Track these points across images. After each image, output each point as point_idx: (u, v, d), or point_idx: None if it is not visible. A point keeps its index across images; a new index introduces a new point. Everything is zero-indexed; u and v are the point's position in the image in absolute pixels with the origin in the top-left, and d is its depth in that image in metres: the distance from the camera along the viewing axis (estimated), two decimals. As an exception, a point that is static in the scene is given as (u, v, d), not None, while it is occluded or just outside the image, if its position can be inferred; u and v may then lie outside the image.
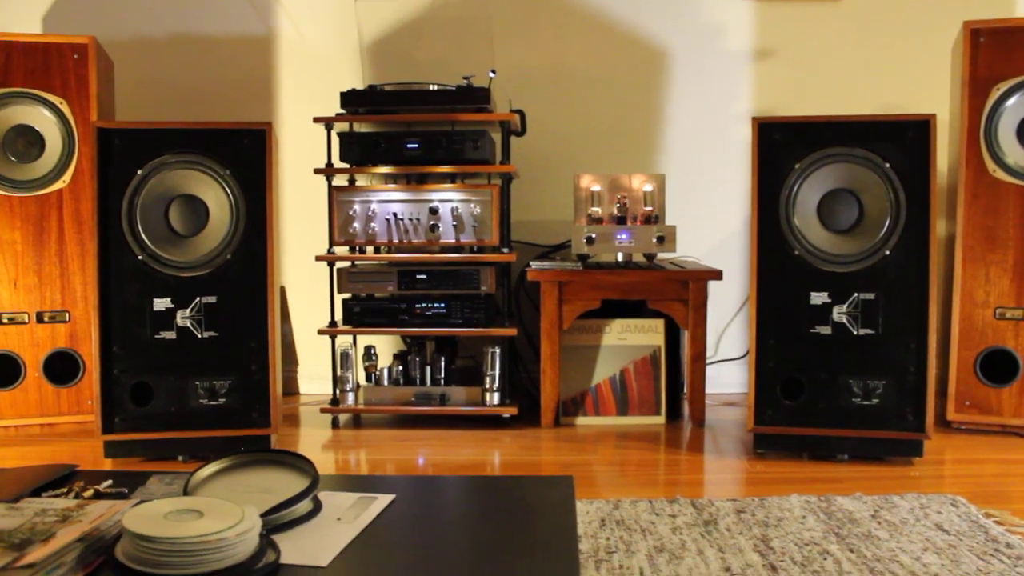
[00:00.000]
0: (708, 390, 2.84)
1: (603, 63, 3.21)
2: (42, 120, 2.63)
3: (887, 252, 2.30)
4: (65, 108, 2.63)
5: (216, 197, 2.38)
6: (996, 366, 2.57)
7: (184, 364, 2.36)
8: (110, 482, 1.30)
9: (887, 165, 2.30)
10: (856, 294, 2.33)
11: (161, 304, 2.35)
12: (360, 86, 2.81)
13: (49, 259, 2.65)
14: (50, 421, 2.66)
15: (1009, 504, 2.01)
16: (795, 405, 2.36)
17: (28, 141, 2.64)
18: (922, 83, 3.12)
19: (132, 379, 2.34)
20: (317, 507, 1.21)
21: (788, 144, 2.37)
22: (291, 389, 3.27)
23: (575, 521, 1.13)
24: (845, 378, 2.33)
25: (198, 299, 2.37)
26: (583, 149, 3.23)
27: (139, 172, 2.34)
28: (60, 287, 2.66)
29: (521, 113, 2.99)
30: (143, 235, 2.34)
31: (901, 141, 2.30)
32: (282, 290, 3.26)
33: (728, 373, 3.21)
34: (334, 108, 2.74)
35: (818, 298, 2.35)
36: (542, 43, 3.22)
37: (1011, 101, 2.53)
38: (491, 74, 2.83)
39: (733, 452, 2.47)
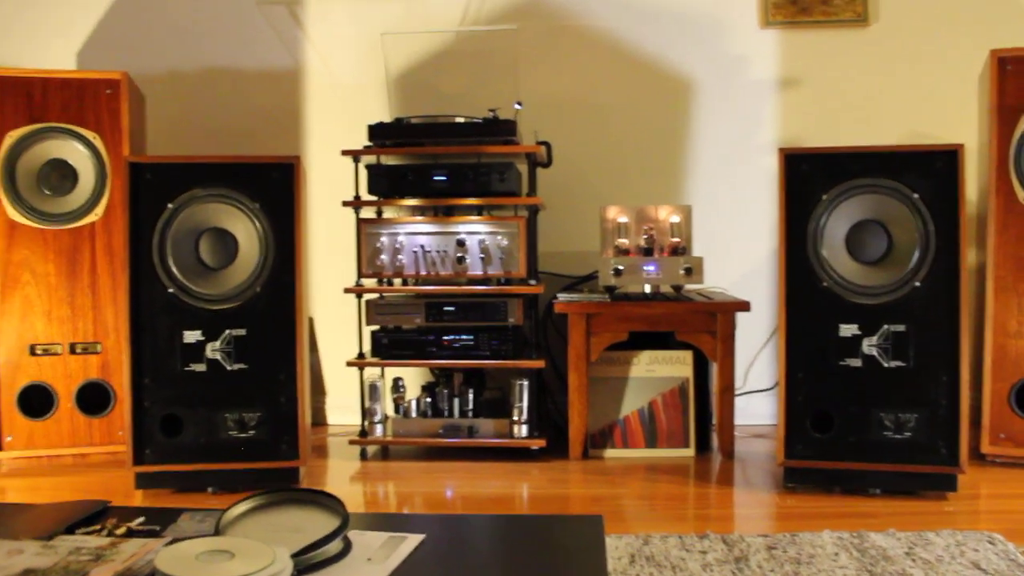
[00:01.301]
0: (737, 422, 2.82)
1: (628, 94, 3.22)
2: (75, 154, 2.68)
3: (917, 283, 2.28)
4: (98, 142, 2.68)
5: (245, 230, 2.41)
6: (1027, 399, 2.54)
7: (214, 396, 2.38)
8: (143, 519, 1.31)
9: (916, 196, 2.29)
10: (886, 326, 2.30)
11: (191, 336, 2.38)
12: (387, 118, 2.84)
13: (82, 291, 2.69)
14: (82, 452, 2.69)
15: (1048, 541, 1.97)
16: (825, 439, 2.34)
17: (62, 175, 2.69)
18: (949, 111, 3.10)
19: (162, 411, 2.36)
20: (347, 547, 1.21)
21: (815, 175, 2.36)
22: (319, 420, 3.28)
23: (605, 563, 1.12)
24: (876, 411, 2.30)
25: (227, 332, 2.39)
26: (609, 180, 3.23)
27: (170, 206, 2.37)
28: (92, 318, 2.70)
29: (547, 145, 3.01)
30: (173, 268, 2.37)
31: (929, 171, 2.28)
32: (310, 321, 3.28)
33: (757, 404, 3.18)
34: (361, 140, 2.76)
35: (847, 330, 2.33)
36: (568, 74, 3.24)
37: (1041, 130, 2.51)
38: (517, 106, 2.85)
39: (763, 486, 2.45)
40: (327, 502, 1.28)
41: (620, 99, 3.23)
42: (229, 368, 2.39)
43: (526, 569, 1.16)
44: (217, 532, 1.19)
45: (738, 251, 3.21)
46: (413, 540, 1.25)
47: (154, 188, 2.37)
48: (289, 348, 2.41)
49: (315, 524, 1.22)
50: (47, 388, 2.66)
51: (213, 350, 2.39)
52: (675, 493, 2.41)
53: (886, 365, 2.30)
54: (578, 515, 1.35)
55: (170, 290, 2.37)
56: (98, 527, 1.28)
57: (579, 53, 3.23)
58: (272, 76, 3.27)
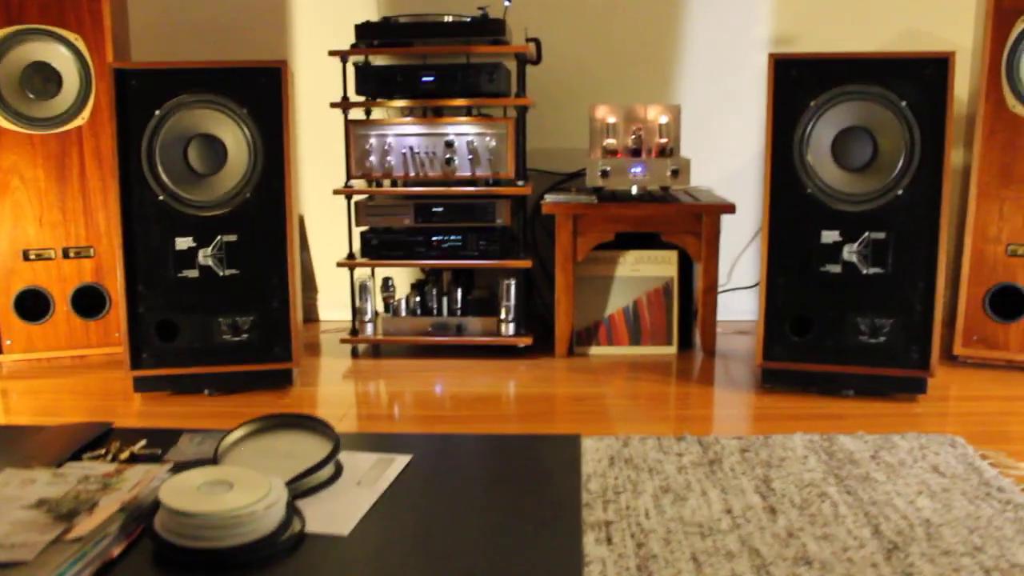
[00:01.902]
0: (720, 317, 2.91)
1: (620, -13, 3.15)
2: (58, 57, 2.64)
3: (899, 192, 2.31)
4: (81, 44, 2.64)
5: (234, 136, 2.41)
6: (1005, 302, 2.60)
7: (207, 301, 2.43)
8: (144, 442, 1.38)
9: (903, 103, 2.28)
10: (867, 233, 2.34)
11: (183, 243, 2.41)
12: (375, 17, 2.79)
13: (72, 195, 2.70)
14: (80, 353, 2.76)
15: (1007, 444, 2.07)
16: (803, 342, 2.41)
17: (45, 77, 2.65)
18: (948, 8, 3.05)
19: (157, 316, 2.42)
20: (339, 471, 1.28)
21: (804, 81, 2.35)
22: (311, 316, 3.35)
23: (579, 484, 1.20)
24: (853, 316, 2.37)
25: (219, 237, 2.42)
26: (599, 77, 3.20)
27: (157, 113, 2.36)
28: (84, 223, 2.72)
29: (537, 42, 2.97)
30: (163, 175, 2.38)
31: (919, 79, 2.27)
32: (301, 219, 3.30)
33: (740, 301, 3.25)
34: (350, 38, 2.72)
35: (829, 236, 2.37)
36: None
37: (1035, 34, 2.48)
38: (506, 3, 2.80)
39: (742, 385, 2.54)
40: (318, 427, 1.35)
41: (611, -7, 3.16)
42: (221, 273, 2.43)
43: (506, 492, 1.24)
44: (215, 458, 1.26)
45: (727, 149, 3.21)
46: (401, 461, 1.32)
47: (140, 95, 2.36)
48: (280, 252, 2.44)
49: (307, 448, 1.30)
50: (42, 292, 2.71)
51: (205, 256, 2.42)
52: (656, 392, 2.50)
53: (865, 271, 2.36)
54: (557, 435, 1.42)
55: (160, 197, 2.39)
56: (103, 451, 1.35)
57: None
58: (254, -33, 3.19)
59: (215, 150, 2.40)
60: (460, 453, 1.35)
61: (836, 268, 2.37)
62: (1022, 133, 2.53)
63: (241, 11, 3.20)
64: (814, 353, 2.41)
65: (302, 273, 3.22)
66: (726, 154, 3.21)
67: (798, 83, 2.35)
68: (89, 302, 2.76)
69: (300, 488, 1.19)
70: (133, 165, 2.36)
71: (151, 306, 2.41)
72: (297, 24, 3.22)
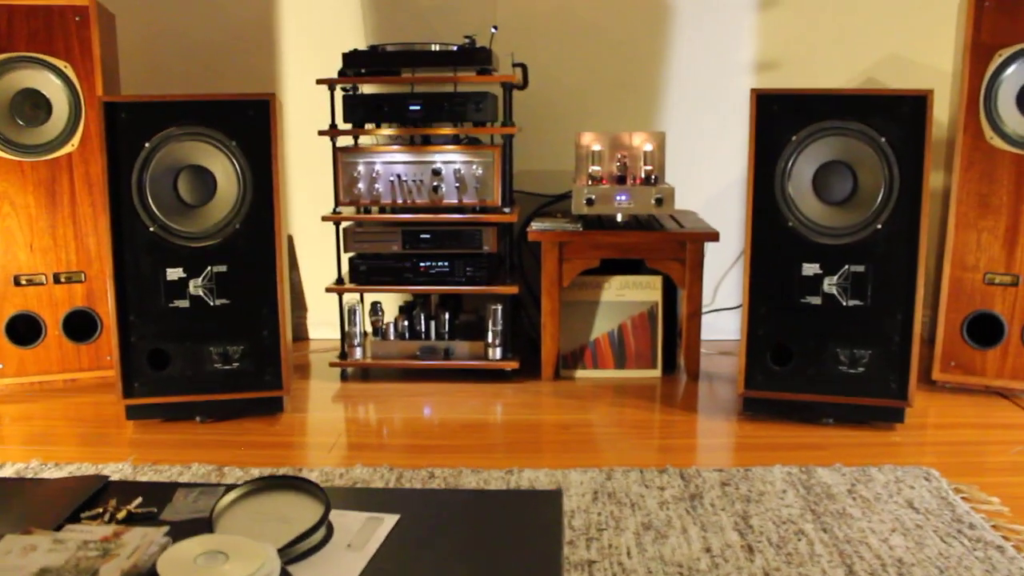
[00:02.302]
0: (705, 337, 2.96)
1: (608, 12, 3.18)
2: (48, 84, 2.66)
3: (879, 226, 2.36)
4: (70, 72, 2.65)
5: (223, 167, 2.43)
6: (982, 329, 2.66)
7: (198, 331, 2.46)
8: (140, 500, 1.41)
9: (883, 139, 2.33)
10: (847, 266, 2.39)
11: (174, 274, 2.44)
12: (363, 44, 2.81)
13: (63, 221, 2.73)
14: (72, 376, 2.79)
15: (981, 476, 2.12)
16: (784, 371, 2.47)
17: (35, 104, 2.67)
18: (930, 34, 3.09)
19: (149, 346, 2.45)
20: (329, 533, 1.32)
21: (785, 116, 2.39)
22: (301, 335, 3.39)
23: (561, 544, 1.26)
24: (833, 346, 2.42)
25: (209, 268, 2.45)
26: (586, 99, 3.23)
27: (147, 145, 2.39)
28: (75, 248, 2.74)
29: (523, 67, 3.01)
30: (153, 207, 2.41)
31: (898, 116, 2.32)
32: (290, 239, 3.33)
33: (724, 321, 3.30)
34: (338, 56, 2.74)
35: (810, 269, 2.42)
36: (545, -9, 3.19)
37: (1012, 68, 2.53)
38: (492, 31, 2.83)
39: (724, 412, 2.58)
40: (309, 488, 1.38)
41: (600, 18, 3.19)
42: (212, 304, 2.46)
43: (489, 550, 1.28)
44: (211, 522, 1.30)
45: (712, 171, 3.26)
46: (389, 522, 1.36)
47: (130, 127, 2.38)
48: (270, 283, 2.48)
49: (299, 510, 1.34)
50: (34, 317, 2.73)
51: (196, 286, 2.45)
52: (640, 419, 2.55)
53: (845, 304, 2.41)
54: (540, 491, 1.47)
55: (151, 228, 2.41)
56: (100, 509, 1.39)
57: (557, -34, 3.17)
58: (243, -11, 3.21)
59: (205, 181, 2.43)
60: (446, 512, 1.39)
61: (816, 300, 2.42)
62: (999, 164, 2.58)
63: (231, 35, 3.22)
64: (794, 382, 2.46)
65: (292, 292, 3.26)
66: (711, 176, 3.26)
67: (780, 117, 2.39)
68: (80, 326, 2.79)
69: (292, 554, 1.23)
70: (124, 197, 2.39)
71: (143, 335, 2.44)
72: (286, 50, 3.24)
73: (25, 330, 2.74)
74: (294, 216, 3.32)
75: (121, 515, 1.38)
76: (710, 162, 3.24)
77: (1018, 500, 2.00)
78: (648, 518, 1.93)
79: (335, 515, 1.38)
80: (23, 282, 2.72)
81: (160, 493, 1.46)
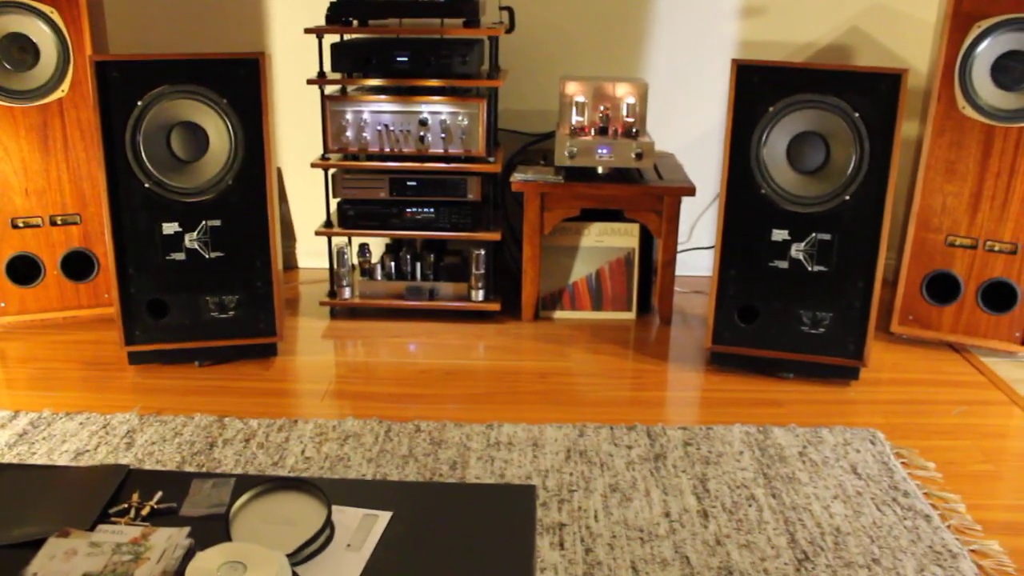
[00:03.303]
0: (681, 273, 3.12)
1: (595, -51, 3.16)
2: (35, 29, 2.66)
3: (847, 197, 2.47)
4: (56, 17, 2.65)
5: (215, 125, 2.49)
6: (941, 287, 2.81)
7: (194, 282, 2.57)
8: (160, 494, 1.58)
9: (856, 115, 2.41)
10: (814, 234, 2.52)
11: (169, 228, 2.53)
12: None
13: (56, 165, 2.78)
14: (72, 314, 2.91)
15: (923, 439, 2.32)
16: (750, 329, 2.62)
17: (22, 48, 2.67)
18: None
19: (148, 296, 2.56)
20: (331, 533, 1.49)
21: (764, 87, 2.46)
22: (291, 264, 3.50)
23: (533, 536, 1.44)
24: (796, 308, 2.57)
25: (204, 222, 2.54)
26: (573, 41, 3.24)
27: (139, 103, 2.43)
28: (69, 192, 2.81)
29: (510, 10, 3.02)
30: (148, 163, 2.47)
31: (873, 92, 2.39)
32: (279, 172, 3.39)
33: (699, 259, 3.43)
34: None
35: (779, 235, 2.54)
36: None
37: (988, 40, 2.58)
38: (481, -25, 2.83)
39: (692, 361, 2.75)
40: (312, 489, 1.55)
41: (586, -46, 3.17)
42: (207, 256, 2.56)
43: (469, 546, 1.47)
44: (227, 523, 1.46)
45: (693, 115, 3.31)
46: (383, 519, 1.53)
47: (122, 86, 2.41)
48: (263, 236, 2.57)
49: (303, 512, 1.50)
50: (33, 258, 2.82)
51: (191, 240, 2.55)
52: (613, 368, 2.71)
53: (810, 269, 2.54)
54: (516, 486, 1.64)
55: (146, 185, 2.48)
56: (125, 505, 1.55)
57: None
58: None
59: (197, 138, 2.49)
60: (433, 507, 1.57)
61: (784, 264, 2.55)
62: (968, 133, 2.67)
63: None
64: (759, 339, 2.62)
65: (282, 223, 3.35)
66: (692, 120, 3.32)
67: (759, 88, 2.46)
68: (78, 266, 2.88)
69: (300, 557, 1.40)
70: (118, 154, 2.44)
71: (141, 287, 2.55)
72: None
73: (24, 270, 2.83)
74: (286, 152, 3.37)
75: (145, 511, 1.54)
76: (692, 106, 3.30)
77: (952, 465, 2.21)
78: (615, 479, 2.12)
79: (336, 511, 1.54)
80: (20, 224, 2.79)
81: (177, 483, 1.62)
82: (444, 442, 2.27)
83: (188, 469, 2.14)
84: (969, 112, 2.65)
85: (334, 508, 1.56)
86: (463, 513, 1.57)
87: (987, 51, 2.59)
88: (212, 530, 1.48)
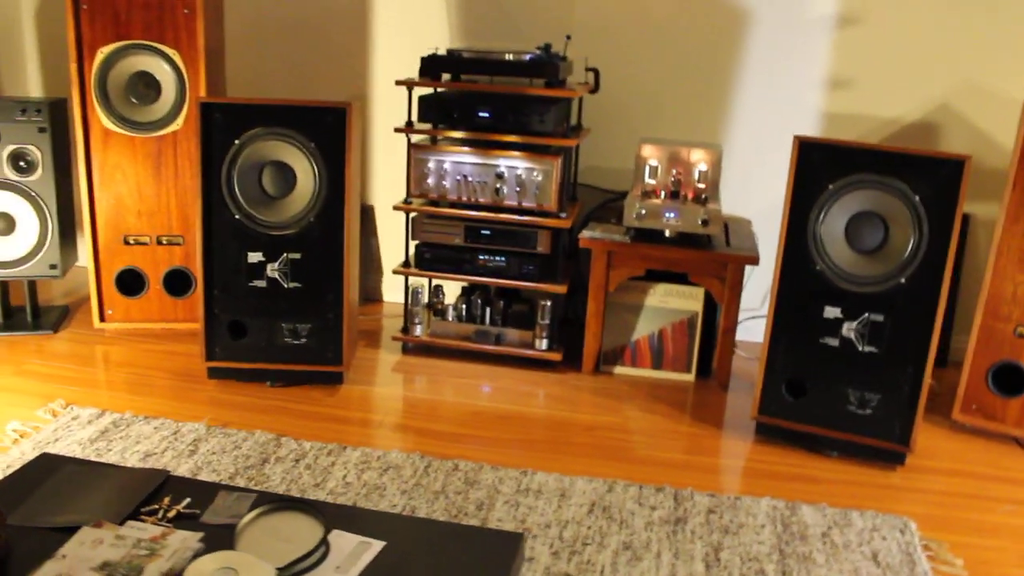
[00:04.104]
0: (749, 339, 3.14)
1: (686, 18, 3.24)
2: (159, 69, 2.97)
3: (902, 280, 2.45)
4: (177, 58, 2.95)
5: (303, 166, 2.71)
6: (1007, 378, 2.73)
7: (272, 308, 2.79)
8: (188, 500, 1.76)
9: (916, 198, 2.41)
10: (867, 314, 2.51)
11: (254, 257, 2.76)
12: (457, 44, 3.00)
13: (167, 191, 3.08)
14: (170, 326, 3.19)
15: (959, 534, 2.26)
16: (796, 403, 2.63)
17: (147, 84, 2.99)
18: (1012, 64, 3.05)
19: (230, 317, 2.79)
20: (326, 551, 1.63)
21: (825, 164, 2.48)
22: (375, 297, 3.70)
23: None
24: (844, 387, 2.56)
25: (285, 255, 2.76)
26: (658, 102, 3.33)
27: (236, 142, 2.68)
28: (176, 215, 3.10)
29: (596, 72, 3.14)
30: (240, 197, 2.72)
31: (934, 177, 2.38)
32: (371, 209, 3.62)
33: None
34: (425, 47, 2.95)
35: (831, 312, 2.55)
36: (627, -5, 3.27)
37: (1069, 130, 2.53)
38: (566, 39, 2.98)
39: (741, 429, 2.76)
40: (314, 512, 1.69)
41: (677, 24, 3.25)
42: (286, 286, 2.78)
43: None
44: (234, 536, 1.62)
45: (773, 182, 3.33)
46: (376, 547, 1.66)
47: (223, 125, 2.67)
48: (337, 272, 2.77)
49: (304, 531, 1.64)
50: (139, 272, 3.13)
51: (272, 270, 2.77)
52: (661, 428, 2.76)
53: (861, 349, 2.53)
54: (507, 532, 1.74)
55: (237, 216, 2.73)
56: (156, 506, 1.74)
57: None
58: (344, -27, 3.42)
59: (286, 177, 2.72)
60: (425, 543, 1.68)
61: (834, 342, 2.55)
62: (1045, 223, 2.61)
63: (329, 9, 3.45)
64: (805, 414, 2.62)
65: (370, 257, 3.57)
66: (771, 185, 3.34)
67: (819, 166, 2.49)
68: (178, 283, 3.17)
69: (289, 572, 1.54)
70: (215, 187, 2.70)
71: (224, 308, 2.79)
72: (379, 38, 3.45)
73: (131, 283, 3.14)
74: (379, 190, 3.60)
75: (171, 514, 1.72)
76: (772, 174, 3.32)
77: (984, 565, 2.15)
78: (631, 537, 2.18)
79: (335, 535, 1.68)
80: (131, 241, 3.10)
81: (206, 492, 1.80)
82: (477, 483, 2.38)
83: (239, 481, 2.33)
84: (1046, 203, 2.59)
85: (335, 532, 1.70)
86: (452, 552, 1.68)
87: (1067, 142, 2.53)
88: (223, 538, 1.65)
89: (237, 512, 1.74)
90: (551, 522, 2.23)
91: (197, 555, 1.58)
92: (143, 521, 1.70)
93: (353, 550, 1.65)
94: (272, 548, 1.60)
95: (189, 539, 1.62)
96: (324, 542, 1.62)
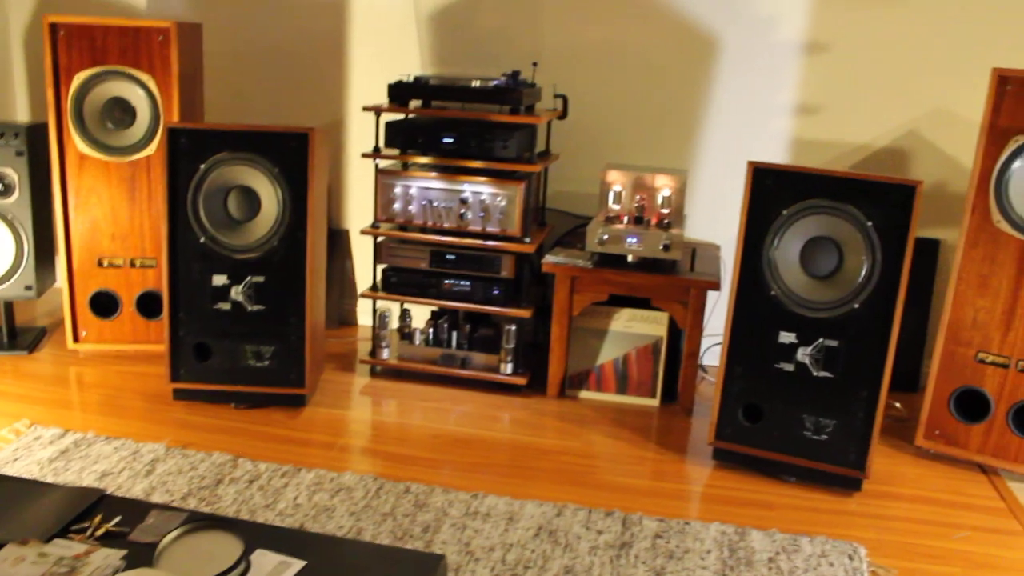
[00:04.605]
0: (712, 363, 3.13)
1: (654, 45, 3.27)
2: (133, 94, 3.03)
3: (856, 305, 2.45)
4: (152, 84, 3.01)
5: (267, 190, 2.75)
6: (970, 403, 2.71)
7: (236, 331, 2.82)
8: (119, 519, 1.78)
9: (869, 224, 2.41)
10: (821, 339, 2.51)
11: (219, 280, 2.80)
12: (429, 71, 3.05)
13: (140, 214, 3.13)
14: (143, 348, 3.23)
15: (910, 560, 2.25)
16: (754, 428, 2.62)
17: (123, 109, 3.05)
18: (979, 89, 3.06)
19: (195, 339, 2.83)
20: (245, 570, 1.64)
21: (779, 190, 2.50)
22: (350, 321, 3.73)
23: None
24: (800, 413, 2.55)
25: (249, 278, 2.80)
26: (626, 128, 3.36)
27: (202, 167, 2.73)
28: (149, 238, 3.15)
29: (564, 98, 3.18)
30: (205, 221, 2.76)
31: (886, 202, 2.39)
32: (346, 233, 3.66)
33: (740, 352, 3.43)
34: (402, 65, 2.99)
35: (786, 337, 2.55)
36: (595, 23, 3.30)
37: (1024, 157, 2.53)
38: (533, 66, 3.02)
39: (702, 454, 2.76)
40: (236, 531, 1.71)
41: (645, 51, 3.28)
42: (249, 309, 2.81)
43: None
44: (154, 553, 1.64)
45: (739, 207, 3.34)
46: (295, 567, 1.67)
47: (189, 151, 2.72)
48: (300, 295, 2.80)
49: (226, 549, 1.66)
50: (112, 294, 3.17)
51: (237, 293, 2.80)
52: (620, 453, 2.75)
53: (815, 374, 2.53)
54: (428, 554, 1.75)
55: (202, 240, 2.77)
56: (86, 524, 1.76)
57: (608, 2, 3.28)
58: (321, 4, 3.47)
59: (251, 201, 2.76)
60: (345, 564, 1.69)
61: (790, 367, 2.55)
62: (1003, 248, 2.60)
63: (306, 37, 3.50)
64: (762, 439, 2.61)
65: (345, 281, 3.60)
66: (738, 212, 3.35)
67: (773, 191, 2.50)
68: (151, 305, 3.21)
69: (207, 590, 1.55)
70: (181, 210, 2.74)
71: (190, 330, 2.82)
72: (356, 59, 3.50)
73: (105, 305, 3.18)
74: (354, 214, 3.64)
75: (100, 532, 1.74)
76: (740, 198, 3.32)
77: (929, 593, 2.14)
78: (573, 562, 2.18)
79: (258, 554, 1.70)
80: (105, 264, 3.15)
81: (140, 511, 1.82)
82: (427, 506, 2.39)
83: (191, 501, 2.35)
84: (1004, 227, 2.58)
85: (258, 552, 1.71)
86: (372, 573, 1.69)
87: None
88: (147, 556, 1.67)
89: (166, 530, 1.76)
90: (495, 545, 2.23)
91: (117, 572, 1.60)
92: (71, 539, 1.72)
93: (273, 569, 1.66)
94: (192, 566, 1.61)
95: (111, 557, 1.64)
96: (242, 561, 1.64)
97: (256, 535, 1.76)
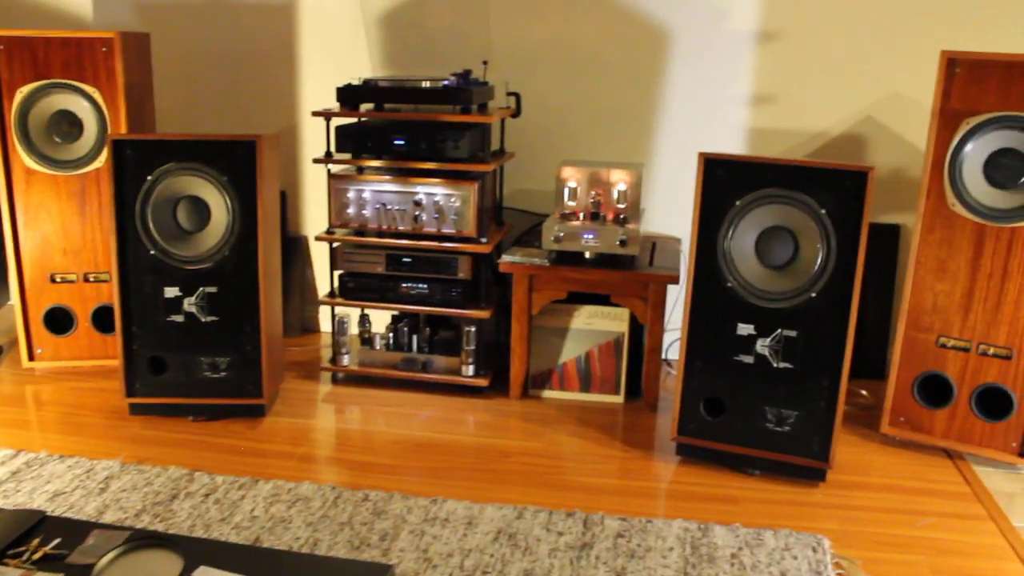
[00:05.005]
0: (676, 356, 3.10)
1: (605, 40, 3.25)
2: (79, 106, 2.98)
3: (813, 295, 2.43)
4: (97, 96, 2.96)
5: (216, 200, 2.71)
6: (933, 389, 2.70)
7: (191, 342, 2.77)
8: (59, 540, 1.74)
9: (823, 211, 2.39)
10: (780, 330, 2.48)
11: (171, 292, 2.75)
12: (381, 73, 3.01)
13: (91, 228, 3.08)
14: (100, 364, 3.18)
15: (874, 550, 2.22)
16: (715, 422, 2.60)
17: (70, 122, 3.00)
18: (932, 73, 3.05)
19: (149, 353, 2.78)
20: (185, 589, 1.60)
21: (731, 181, 2.47)
22: (312, 327, 3.69)
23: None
24: (762, 405, 2.53)
25: (201, 289, 2.75)
26: (580, 125, 3.33)
27: (149, 178, 2.68)
28: (102, 252, 3.10)
29: (517, 96, 3.15)
30: (154, 232, 2.71)
31: (839, 189, 2.37)
32: (304, 240, 3.62)
33: (706, 345, 3.41)
34: (353, 68, 2.96)
35: (745, 329, 2.52)
36: (545, 21, 3.27)
37: (978, 137, 2.51)
38: (483, 64, 2.98)
39: (665, 452, 2.73)
40: (178, 548, 1.67)
41: (597, 45, 3.26)
42: (203, 320, 2.77)
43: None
44: (91, 571, 1.60)
45: (703, 200, 3.32)
46: (238, 583, 1.63)
47: (135, 162, 2.67)
48: (254, 304, 2.76)
49: (166, 567, 1.62)
50: (67, 310, 3.12)
51: (189, 304, 2.76)
52: (582, 452, 2.72)
53: (775, 365, 2.50)
54: (376, 564, 1.71)
55: (152, 252, 2.72)
56: (24, 548, 1.71)
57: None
58: (271, 9, 3.42)
59: (200, 211, 2.71)
60: None
61: (749, 359, 2.53)
62: (960, 231, 2.58)
63: (256, 43, 3.46)
64: (725, 433, 2.59)
65: (305, 288, 3.56)
66: (703, 204, 3.33)
67: (725, 182, 2.48)
68: (106, 319, 3.15)
69: (143, 611, 1.51)
70: (129, 223, 2.70)
71: (143, 344, 2.78)
72: (307, 66, 3.46)
73: (60, 321, 3.13)
74: (312, 220, 3.59)
75: (37, 556, 1.70)
76: (703, 191, 3.31)
77: (893, 582, 2.12)
78: (533, 564, 2.14)
79: (201, 571, 1.66)
80: (58, 279, 3.10)
81: (80, 531, 1.78)
82: (385, 513, 2.35)
83: (144, 518, 2.31)
84: (959, 209, 2.57)
85: (201, 568, 1.67)
86: (319, 585, 1.65)
87: (978, 148, 2.51)
88: (83, 579, 1.62)
89: (106, 551, 1.72)
90: (454, 551, 2.20)
91: (51, 596, 1.56)
92: (6, 565, 1.68)
93: (215, 586, 1.62)
94: (128, 587, 1.57)
95: (45, 581, 1.60)
96: (182, 579, 1.60)
97: (200, 552, 1.72)
